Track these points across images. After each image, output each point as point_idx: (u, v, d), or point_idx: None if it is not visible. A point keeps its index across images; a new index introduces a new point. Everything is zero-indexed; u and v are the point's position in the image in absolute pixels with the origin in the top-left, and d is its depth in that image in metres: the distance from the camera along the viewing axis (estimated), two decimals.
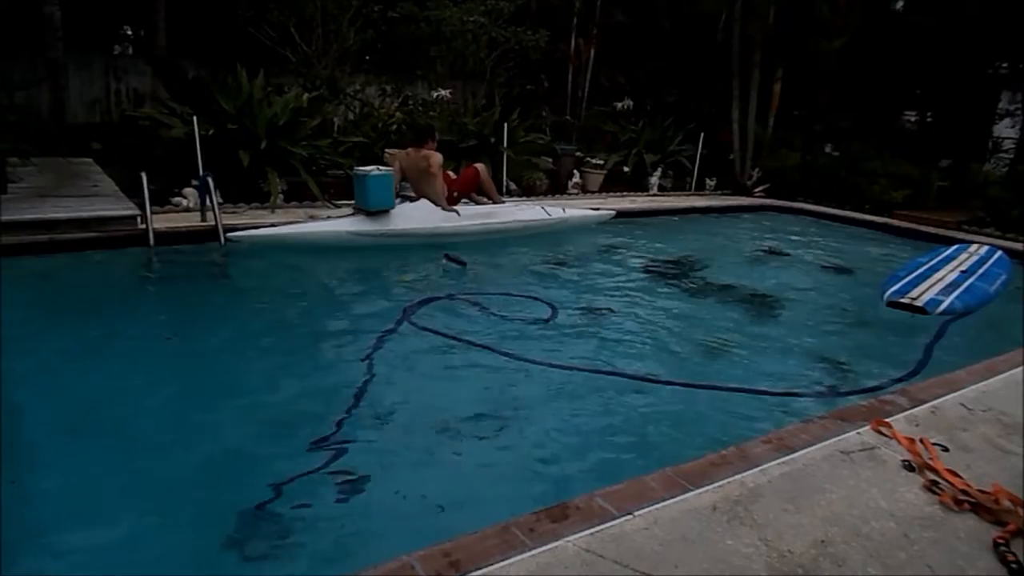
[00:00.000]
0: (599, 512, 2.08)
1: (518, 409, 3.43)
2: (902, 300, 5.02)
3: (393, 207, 6.22)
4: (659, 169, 11.49)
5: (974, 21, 10.96)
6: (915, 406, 3.05)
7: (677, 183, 11.88)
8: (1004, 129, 12.90)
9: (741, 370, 4.16)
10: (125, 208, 5.90)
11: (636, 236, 8.13)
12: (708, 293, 5.95)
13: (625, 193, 10.94)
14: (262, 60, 8.31)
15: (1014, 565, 1.95)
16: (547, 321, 4.77)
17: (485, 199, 7.28)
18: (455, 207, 6.74)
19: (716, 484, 2.29)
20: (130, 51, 10.41)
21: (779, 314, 5.51)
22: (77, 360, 3.67)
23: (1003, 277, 6.00)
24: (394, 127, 9.06)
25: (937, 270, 5.82)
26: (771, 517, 2.13)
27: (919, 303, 4.94)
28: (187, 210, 6.76)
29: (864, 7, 11.64)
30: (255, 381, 3.67)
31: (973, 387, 3.32)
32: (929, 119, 13.54)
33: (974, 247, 6.89)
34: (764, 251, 8.04)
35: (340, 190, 7.50)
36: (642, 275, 6.45)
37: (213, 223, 5.90)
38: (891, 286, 5.29)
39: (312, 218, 6.53)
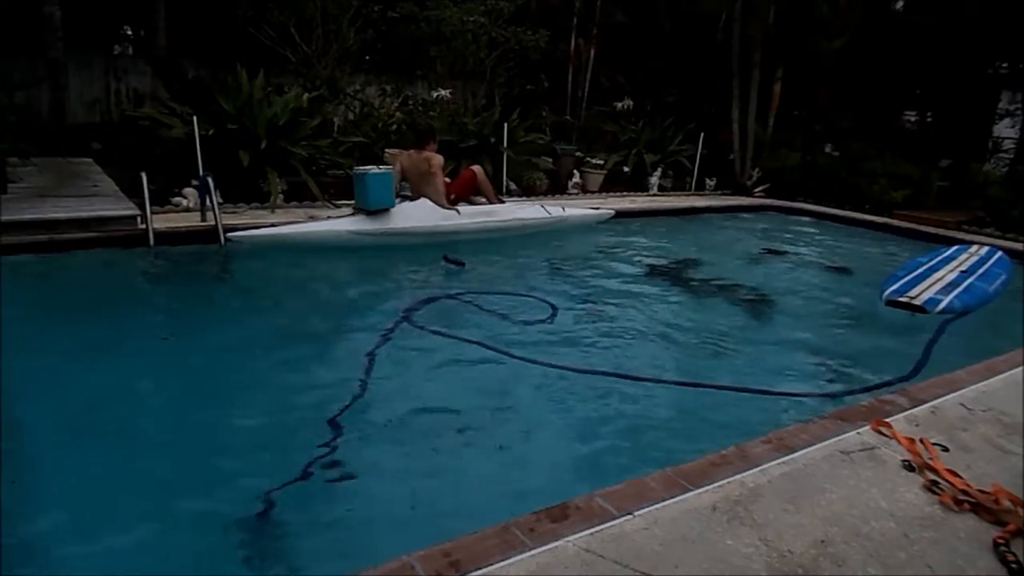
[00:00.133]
0: (599, 512, 2.08)
1: (518, 409, 3.44)
2: (901, 299, 5.02)
3: (393, 206, 6.23)
4: (659, 169, 11.49)
5: (974, 21, 10.96)
6: (915, 406, 3.05)
7: (677, 183, 11.88)
8: (1004, 129, 12.90)
9: (741, 370, 4.16)
10: (125, 208, 5.90)
11: (636, 236, 8.14)
12: (708, 293, 5.96)
13: (625, 193, 10.94)
14: (262, 60, 8.30)
15: (1014, 565, 1.95)
16: (547, 321, 4.77)
17: (483, 200, 7.26)
18: (455, 206, 6.74)
19: (716, 484, 2.29)
20: (130, 51, 10.42)
21: (779, 314, 5.51)
22: (77, 360, 3.67)
23: (1003, 277, 5.99)
24: (394, 127, 9.06)
25: (937, 270, 5.81)
26: (771, 517, 2.13)
27: (918, 302, 4.93)
28: (187, 210, 6.76)
29: (864, 7, 11.64)
30: (255, 381, 3.67)
31: (973, 387, 3.31)
32: (929, 119, 13.54)
33: (974, 248, 6.89)
34: (763, 251, 8.04)
35: (340, 190, 7.50)
36: (642, 275, 6.45)
37: (213, 223, 5.89)
38: (890, 285, 5.29)
39: (312, 218, 6.53)
